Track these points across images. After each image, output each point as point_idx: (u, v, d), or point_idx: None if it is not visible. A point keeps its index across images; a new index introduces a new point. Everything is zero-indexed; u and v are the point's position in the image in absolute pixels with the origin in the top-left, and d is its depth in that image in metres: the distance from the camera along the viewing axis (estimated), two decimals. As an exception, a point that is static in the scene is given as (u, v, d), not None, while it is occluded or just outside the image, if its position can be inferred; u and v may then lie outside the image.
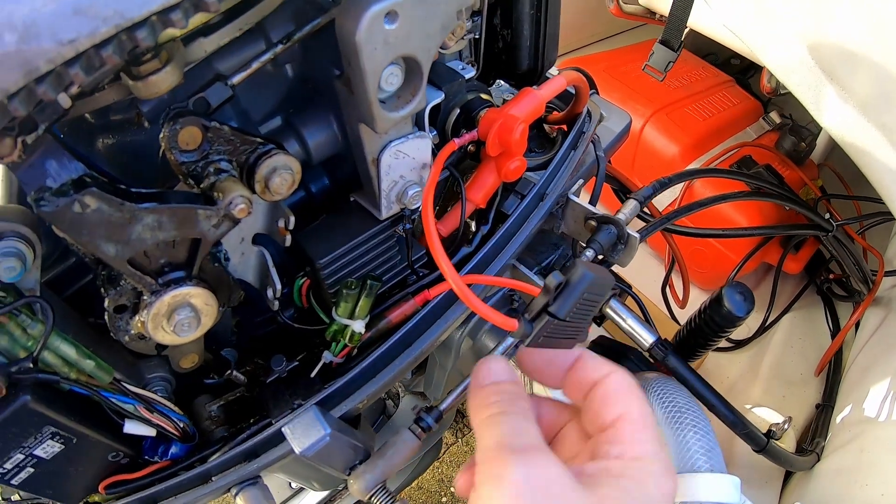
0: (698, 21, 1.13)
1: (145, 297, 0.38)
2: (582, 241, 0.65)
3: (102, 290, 0.38)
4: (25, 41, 0.26)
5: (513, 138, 0.51)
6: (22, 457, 0.45)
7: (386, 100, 0.39)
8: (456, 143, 0.50)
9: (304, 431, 0.42)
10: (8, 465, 0.45)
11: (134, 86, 0.35)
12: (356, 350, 0.52)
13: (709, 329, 0.75)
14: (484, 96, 0.55)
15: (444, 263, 0.38)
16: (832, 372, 1.06)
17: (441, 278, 0.54)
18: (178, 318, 0.38)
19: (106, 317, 0.39)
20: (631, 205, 0.66)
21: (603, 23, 1.53)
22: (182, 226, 0.35)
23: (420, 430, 0.51)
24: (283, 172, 0.38)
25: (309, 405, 0.43)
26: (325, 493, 1.10)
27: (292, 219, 0.43)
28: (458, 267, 0.53)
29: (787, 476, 0.94)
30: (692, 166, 1.16)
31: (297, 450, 0.41)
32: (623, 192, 0.88)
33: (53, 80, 0.29)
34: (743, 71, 1.49)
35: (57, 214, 0.32)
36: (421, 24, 0.37)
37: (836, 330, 1.15)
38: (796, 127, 1.24)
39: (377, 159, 0.43)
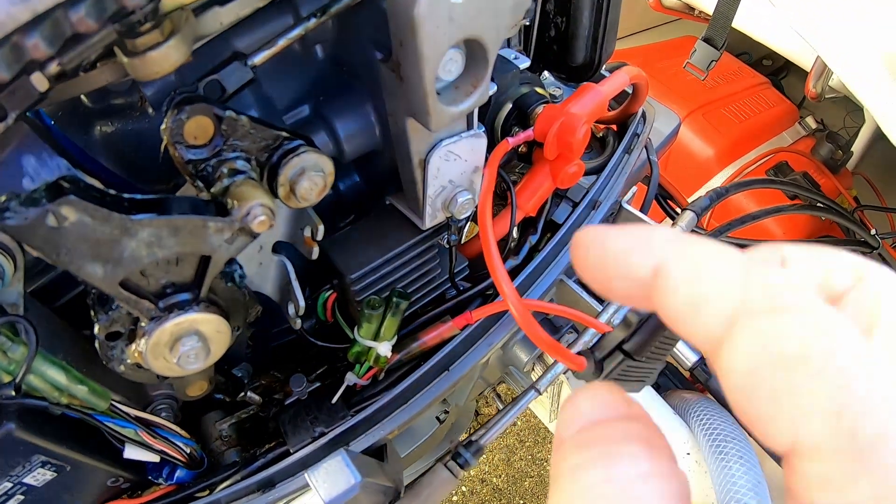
0: (743, 19, 1.02)
1: (143, 324, 0.29)
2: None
3: (92, 312, 0.30)
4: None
5: (575, 140, 0.41)
6: (10, 485, 0.38)
7: (442, 91, 0.30)
8: (510, 142, 0.41)
9: (330, 478, 0.34)
10: (-8, 496, 0.37)
11: (129, 63, 0.26)
12: (384, 372, 0.44)
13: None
14: (539, 90, 0.46)
15: (508, 289, 0.29)
16: (860, 389, 0.97)
17: (484, 294, 0.45)
18: (183, 348, 0.29)
19: (96, 344, 0.30)
20: (688, 217, 0.57)
21: (634, 17, 1.40)
22: (187, 242, 0.26)
23: (457, 466, 0.43)
24: (312, 175, 0.30)
25: (338, 452, 0.35)
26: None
27: (321, 228, 0.34)
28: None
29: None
30: (727, 170, 1.06)
31: (322, 499, 0.33)
32: (662, 197, 0.78)
33: (7, 54, 0.20)
34: (775, 72, 1.37)
35: (25, 229, 0.23)
36: (492, -2, 0.28)
37: (865, 345, 1.06)
38: (833, 133, 1.13)
39: (424, 160, 0.34)
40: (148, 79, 0.26)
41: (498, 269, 0.30)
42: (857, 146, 1.15)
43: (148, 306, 0.28)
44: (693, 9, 1.13)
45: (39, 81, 0.25)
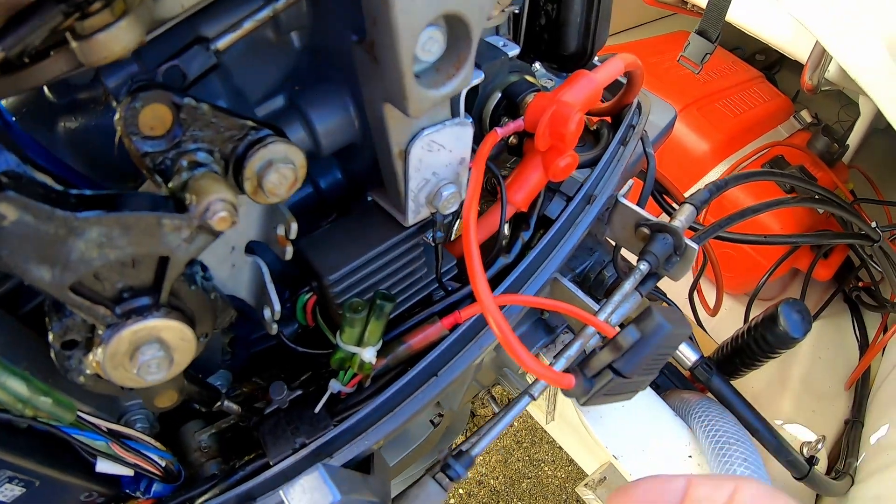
0: (736, 12, 0.99)
1: (99, 332, 0.26)
2: (630, 249, 0.54)
3: (46, 319, 0.27)
4: None
5: (568, 130, 0.39)
6: (-29, 504, 0.35)
7: (422, 73, 0.27)
8: (499, 133, 0.39)
9: (306, 496, 0.31)
10: (-48, 515, 0.35)
11: (78, 48, 0.24)
12: (370, 379, 0.41)
13: (758, 348, 0.64)
14: (529, 78, 0.43)
15: (488, 302, 0.27)
16: (860, 385, 0.95)
17: (473, 295, 0.43)
18: (143, 358, 0.27)
19: (52, 354, 0.27)
20: (687, 210, 0.54)
21: (628, 12, 1.38)
22: (141, 241, 0.24)
23: (447, 478, 0.40)
24: (281, 167, 0.27)
25: (316, 467, 0.32)
26: None
27: (294, 226, 0.32)
28: (496, 281, 0.42)
29: (817, 497, 0.84)
30: (722, 165, 1.03)
31: (298, 518, 0.31)
32: (658, 192, 0.76)
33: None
34: (769, 67, 1.34)
35: (-41, 228, 0.21)
36: (473, -31, 0.25)
37: (864, 340, 1.04)
38: (829, 127, 1.11)
39: (405, 151, 0.32)
40: (97, 64, 0.24)
41: (477, 276, 0.27)
42: (853, 139, 1.13)
43: (103, 312, 0.26)
44: (686, 2, 1.11)
45: (-26, 69, 0.23)
